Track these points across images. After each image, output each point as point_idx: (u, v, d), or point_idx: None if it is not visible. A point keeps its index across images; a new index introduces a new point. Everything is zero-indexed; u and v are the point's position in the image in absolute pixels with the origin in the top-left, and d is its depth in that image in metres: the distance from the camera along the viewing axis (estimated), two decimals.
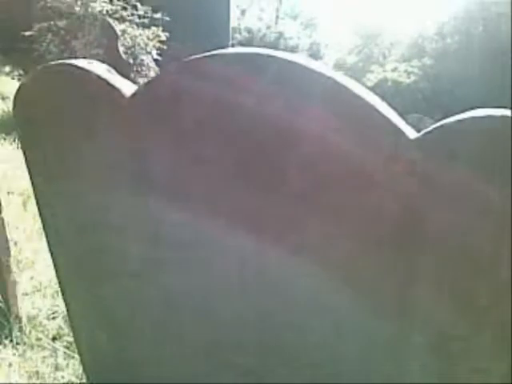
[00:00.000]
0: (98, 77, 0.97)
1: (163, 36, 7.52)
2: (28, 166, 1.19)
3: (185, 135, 0.94)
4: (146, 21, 7.75)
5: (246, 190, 0.92)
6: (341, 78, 0.78)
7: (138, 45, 7.08)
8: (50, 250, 1.31)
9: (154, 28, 7.68)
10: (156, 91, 0.93)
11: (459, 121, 0.72)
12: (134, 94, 0.95)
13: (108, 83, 0.96)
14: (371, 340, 0.92)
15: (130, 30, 7.25)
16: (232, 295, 1.06)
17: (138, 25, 7.65)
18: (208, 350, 1.18)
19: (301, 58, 0.80)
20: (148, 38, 7.42)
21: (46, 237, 1.29)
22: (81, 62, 1.00)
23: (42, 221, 1.26)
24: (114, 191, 1.06)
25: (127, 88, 0.97)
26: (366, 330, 0.92)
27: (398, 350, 0.91)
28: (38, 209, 1.25)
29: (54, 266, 1.34)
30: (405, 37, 10.76)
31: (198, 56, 0.88)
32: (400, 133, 0.76)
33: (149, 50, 7.35)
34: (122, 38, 6.76)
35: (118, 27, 6.79)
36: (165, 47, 7.47)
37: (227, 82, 0.85)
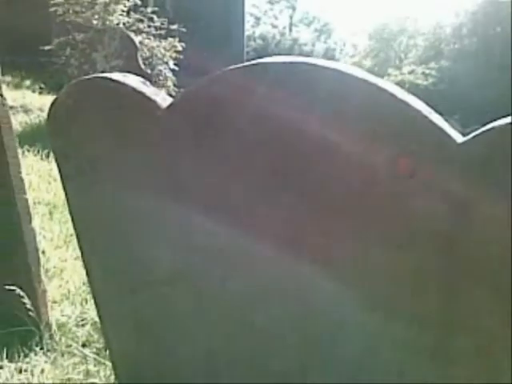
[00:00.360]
0: (134, 89, 1.00)
1: (179, 46, 7.61)
2: (62, 178, 1.22)
3: (222, 147, 0.96)
4: (162, 32, 7.86)
5: (285, 202, 0.93)
6: (384, 83, 0.79)
7: (156, 56, 7.18)
8: (83, 258, 1.34)
9: (170, 39, 7.78)
10: (193, 102, 0.96)
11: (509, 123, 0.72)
12: (169, 106, 0.98)
13: (144, 95, 0.98)
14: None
15: (147, 41, 7.36)
16: (270, 301, 1.07)
17: (154, 36, 7.77)
18: (243, 357, 1.19)
19: (341, 66, 0.81)
20: (165, 49, 7.52)
21: (79, 246, 1.32)
22: (115, 76, 1.03)
23: (76, 230, 1.29)
24: (149, 201, 1.08)
25: (163, 100, 1.00)
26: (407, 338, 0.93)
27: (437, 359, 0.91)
28: (72, 218, 1.28)
29: (87, 273, 1.37)
30: (421, 39, 10.71)
31: (236, 66, 0.90)
32: (447, 137, 0.77)
33: (166, 60, 7.44)
34: (140, 50, 6.86)
35: (136, 39, 6.89)
36: (181, 57, 7.55)
37: (268, 92, 0.86)
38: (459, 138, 0.78)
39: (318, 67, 0.83)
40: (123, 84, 1.01)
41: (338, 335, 1.01)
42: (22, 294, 1.74)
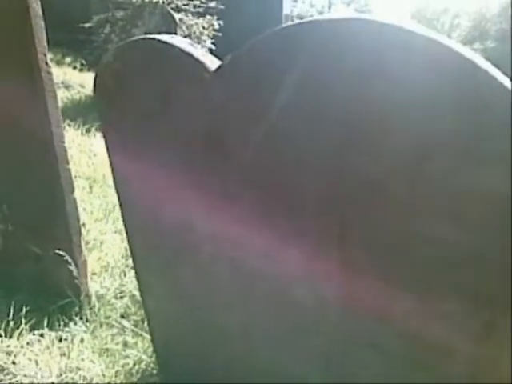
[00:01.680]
0: (182, 50, 0.95)
1: (217, 24, 7.53)
2: (107, 143, 1.19)
3: (271, 110, 0.90)
4: (200, 10, 7.79)
5: (332, 172, 0.88)
6: (447, 41, 0.73)
7: (194, 33, 7.13)
8: (126, 228, 1.32)
9: (208, 17, 7.70)
10: (242, 65, 0.91)
11: None
12: (218, 68, 0.93)
13: (192, 57, 0.94)
14: None
15: (185, 18, 7.31)
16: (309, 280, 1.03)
17: (193, 14, 7.71)
18: (280, 334, 1.16)
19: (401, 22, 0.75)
20: (203, 27, 7.46)
21: (122, 215, 1.30)
22: (163, 37, 0.99)
23: (119, 199, 1.27)
24: (192, 168, 1.04)
25: (211, 62, 0.95)
26: None
27: None
28: (115, 187, 1.26)
29: (129, 244, 1.35)
30: (466, 19, 10.30)
31: (287, 25, 0.84)
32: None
33: (204, 38, 7.39)
34: (178, 27, 6.82)
35: (177, 17, 6.86)
36: (219, 35, 7.48)
37: (323, 51, 0.80)
38: None
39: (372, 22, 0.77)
40: (171, 45, 0.97)
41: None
42: (65, 261, 1.75)
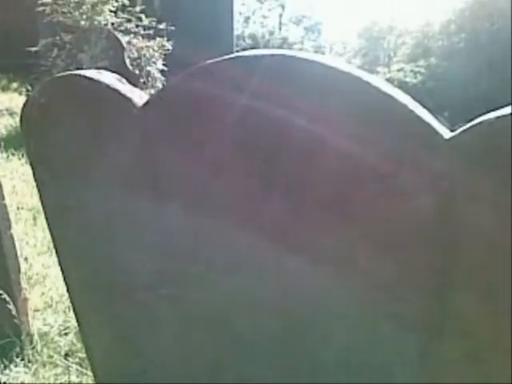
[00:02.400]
0: (108, 86, 0.93)
1: (168, 45, 7.53)
2: (36, 180, 1.15)
3: (201, 143, 0.90)
4: (150, 32, 7.78)
5: (267, 200, 0.87)
6: (368, 77, 0.74)
7: (144, 56, 7.10)
8: (61, 265, 1.28)
9: (159, 38, 7.70)
10: (169, 99, 0.90)
11: (499, 117, 0.67)
12: (146, 104, 0.92)
13: (119, 93, 0.92)
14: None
15: (135, 41, 7.27)
16: (252, 309, 1.02)
17: (143, 36, 7.68)
18: (227, 363, 1.13)
19: (324, 58, 0.76)
20: (153, 50, 7.43)
21: (56, 252, 1.26)
22: (89, 72, 0.97)
23: (52, 235, 1.23)
24: (127, 202, 1.02)
25: (138, 97, 0.93)
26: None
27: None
28: (48, 224, 1.22)
29: (65, 281, 1.30)
30: (410, 37, 10.72)
31: (213, 60, 0.84)
32: (434, 133, 0.72)
33: (154, 60, 7.36)
34: (127, 50, 6.77)
35: (124, 39, 6.81)
36: (170, 57, 7.48)
37: (247, 86, 0.81)
38: (447, 134, 0.73)
39: (301, 60, 0.77)
40: (97, 81, 0.95)
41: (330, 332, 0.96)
42: (4, 300, 1.67)
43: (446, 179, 0.74)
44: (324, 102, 0.78)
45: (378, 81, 0.77)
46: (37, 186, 1.16)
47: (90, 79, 0.96)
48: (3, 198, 1.67)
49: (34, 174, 1.15)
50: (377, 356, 0.90)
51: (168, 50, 7.63)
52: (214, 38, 11.51)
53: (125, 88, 0.95)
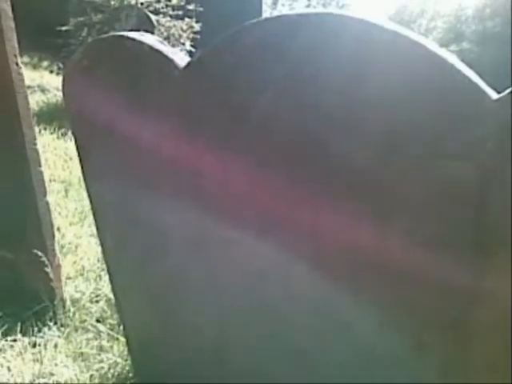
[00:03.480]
0: (151, 47, 0.94)
1: (197, 27, 7.50)
2: (76, 144, 1.17)
3: (240, 107, 0.90)
4: (179, 12, 7.75)
5: (304, 169, 0.87)
6: (416, 36, 0.73)
7: (173, 35, 7.10)
8: (98, 232, 1.30)
9: (187, 19, 7.68)
10: (210, 61, 0.90)
11: None
12: (187, 65, 0.92)
13: (161, 54, 0.93)
14: None
15: (163, 21, 7.27)
16: (275, 277, 1.02)
17: (171, 16, 7.67)
18: (252, 328, 1.15)
19: (372, 18, 0.75)
20: (182, 30, 7.42)
21: (94, 218, 1.28)
22: (132, 34, 0.98)
23: (91, 203, 1.25)
24: (162, 166, 1.03)
25: (180, 59, 0.94)
26: None
27: None
28: (87, 191, 1.24)
29: (102, 248, 1.33)
30: (442, 21, 10.43)
31: (254, 20, 0.84)
32: (482, 93, 0.70)
33: (183, 41, 7.35)
34: (157, 30, 6.78)
35: (154, 19, 6.81)
36: (198, 37, 7.46)
37: (291, 48, 0.80)
38: (494, 95, 0.71)
39: (346, 18, 0.77)
40: (140, 42, 0.95)
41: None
42: (39, 265, 1.71)
43: (491, 140, 0.73)
44: (370, 61, 0.77)
45: (424, 40, 0.76)
46: (77, 149, 1.18)
47: (133, 40, 0.97)
48: (40, 165, 1.70)
49: (74, 137, 1.17)
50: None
51: (196, 31, 7.61)
52: (242, 20, 11.43)
53: (167, 49, 0.96)
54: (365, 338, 0.96)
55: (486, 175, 0.75)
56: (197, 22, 7.67)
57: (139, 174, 1.07)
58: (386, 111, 0.78)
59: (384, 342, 0.93)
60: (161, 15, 7.51)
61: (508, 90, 0.72)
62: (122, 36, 0.98)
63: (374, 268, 0.88)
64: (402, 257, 0.86)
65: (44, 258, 1.74)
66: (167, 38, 7.14)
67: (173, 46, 7.17)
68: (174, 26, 7.14)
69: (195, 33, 7.61)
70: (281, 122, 0.87)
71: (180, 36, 7.43)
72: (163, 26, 6.97)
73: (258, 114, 0.89)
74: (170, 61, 0.94)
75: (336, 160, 0.85)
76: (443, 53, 0.75)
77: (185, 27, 7.34)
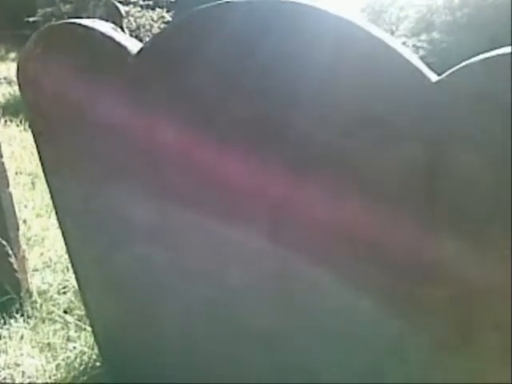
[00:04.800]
0: (103, 34, 0.94)
1: (168, 17, 7.44)
2: (34, 134, 1.17)
3: (194, 92, 0.91)
4: (150, 2, 7.67)
5: (257, 150, 0.89)
6: (359, 21, 0.75)
7: (143, 27, 7.03)
8: (59, 221, 1.30)
9: (158, 9, 7.60)
10: (163, 47, 0.91)
11: (483, 60, 0.68)
12: (140, 51, 0.93)
13: (113, 40, 0.93)
14: None
15: (133, 11, 7.19)
16: (246, 260, 1.04)
17: (142, 7, 7.59)
18: (216, 315, 1.16)
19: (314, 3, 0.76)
20: (152, 20, 7.35)
21: (55, 209, 1.28)
22: (84, 21, 0.98)
23: (51, 193, 1.25)
24: (120, 152, 1.04)
25: (133, 45, 0.94)
26: None
27: None
28: (46, 180, 1.24)
29: (64, 238, 1.33)
30: (413, 11, 10.50)
31: (208, 5, 0.85)
32: (422, 75, 0.73)
33: (153, 31, 7.28)
34: (126, 20, 6.69)
35: (123, 9, 6.72)
36: None
37: (241, 32, 0.81)
38: (434, 77, 0.74)
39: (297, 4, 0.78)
40: (92, 29, 0.95)
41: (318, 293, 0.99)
42: (3, 256, 1.70)
43: (434, 122, 0.76)
44: (312, 46, 0.79)
45: (370, 26, 0.78)
46: (34, 139, 1.18)
47: (85, 27, 0.97)
48: (1, 156, 1.68)
49: (30, 127, 1.16)
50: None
51: (168, 21, 7.54)
52: None
53: (119, 36, 0.96)
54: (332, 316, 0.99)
55: (434, 156, 0.78)
56: (168, 11, 7.61)
57: (98, 161, 1.08)
58: (337, 95, 0.80)
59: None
60: (131, 5, 7.42)
61: (447, 73, 0.75)
62: (74, 23, 0.98)
63: (331, 241, 0.91)
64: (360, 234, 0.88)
65: (8, 250, 1.72)
66: (137, 29, 7.08)
67: (143, 36, 7.10)
68: (144, 15, 7.06)
69: (166, 23, 7.54)
70: (239, 104, 0.88)
71: (151, 26, 7.36)
72: (133, 16, 6.89)
73: (214, 96, 0.90)
74: (123, 47, 0.94)
75: (296, 142, 0.86)
76: (385, 37, 0.77)
77: (155, 17, 7.27)
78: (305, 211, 0.92)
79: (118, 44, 0.94)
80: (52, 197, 1.26)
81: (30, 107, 1.14)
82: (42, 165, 1.21)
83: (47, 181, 1.23)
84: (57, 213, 1.28)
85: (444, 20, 9.34)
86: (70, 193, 1.21)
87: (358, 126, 0.81)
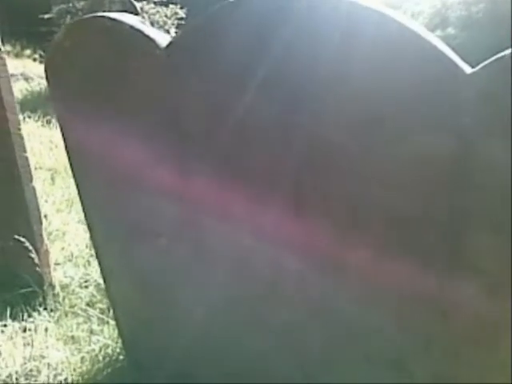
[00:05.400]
0: (132, 27, 0.94)
1: (181, 13, 7.43)
2: (61, 126, 1.18)
3: (222, 84, 0.91)
4: None
5: (282, 140, 0.89)
6: (394, 14, 0.74)
7: (157, 23, 7.03)
8: (85, 214, 1.31)
9: (171, 5, 7.60)
10: (191, 40, 0.91)
11: None
12: (169, 44, 0.93)
13: (143, 33, 0.93)
14: None
15: (147, 7, 7.20)
16: (270, 252, 1.04)
17: (155, 3, 7.59)
18: (240, 305, 1.16)
19: None
20: (166, 16, 7.36)
21: (81, 201, 1.29)
22: (113, 14, 0.98)
23: (77, 185, 1.26)
24: (149, 144, 1.04)
25: (162, 39, 0.95)
26: None
27: None
28: (73, 173, 1.24)
29: (89, 230, 1.34)
30: (427, 6, 10.40)
31: (234, 1, 0.85)
32: (456, 67, 0.72)
33: (167, 28, 7.29)
34: (140, 17, 6.71)
35: (137, 4, 6.75)
36: (183, 23, 7.39)
37: (272, 26, 0.81)
38: (468, 69, 0.73)
39: None
40: (121, 22, 0.96)
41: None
42: (27, 250, 1.72)
43: (466, 114, 0.75)
44: (350, 39, 0.78)
45: (401, 17, 0.77)
46: (61, 132, 1.19)
47: (114, 20, 0.97)
48: (25, 151, 1.70)
49: (58, 120, 1.17)
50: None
51: (181, 17, 7.54)
52: None
53: (148, 29, 0.96)
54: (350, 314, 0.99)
55: (465, 149, 0.77)
56: (181, 8, 7.60)
57: (125, 153, 1.08)
58: (361, 87, 0.80)
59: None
60: (144, 1, 7.43)
61: (482, 65, 0.74)
62: (103, 16, 0.98)
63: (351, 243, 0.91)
64: (378, 232, 0.88)
65: (32, 244, 1.74)
66: (151, 25, 7.08)
67: (144, 21, 7.09)
68: (158, 12, 7.07)
69: (180, 19, 7.54)
70: (265, 100, 0.88)
71: (165, 23, 7.36)
72: (147, 12, 6.90)
73: (243, 90, 0.90)
74: (152, 40, 0.94)
75: (313, 137, 0.86)
76: (419, 28, 0.77)
77: (169, 14, 7.27)
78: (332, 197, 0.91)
79: (147, 37, 0.94)
80: (78, 189, 1.27)
81: (56, 99, 1.15)
82: (69, 157, 1.22)
83: (73, 173, 1.24)
84: (83, 205, 1.29)
85: (459, 15, 9.23)
86: (96, 185, 1.22)
87: (387, 115, 0.80)
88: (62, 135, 1.17)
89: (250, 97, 0.88)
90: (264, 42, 0.84)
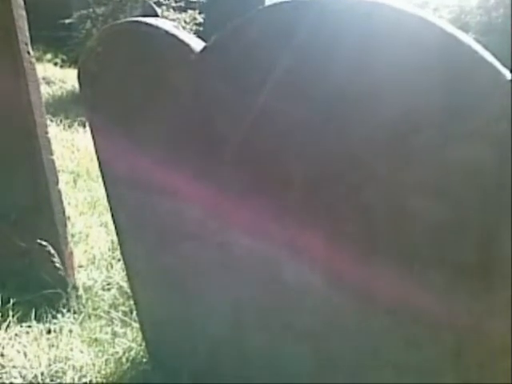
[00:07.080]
0: (167, 32, 0.95)
1: (200, 18, 7.49)
2: (91, 130, 1.19)
3: (255, 89, 0.91)
4: (182, 4, 7.74)
5: (320, 144, 0.89)
6: (434, 18, 0.74)
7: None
8: (113, 216, 1.32)
9: (190, 11, 7.66)
10: (227, 45, 0.91)
11: None
12: (203, 49, 0.93)
13: (177, 38, 0.94)
14: None
15: (166, 13, 7.26)
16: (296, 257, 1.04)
17: (174, 9, 7.65)
18: (268, 314, 1.16)
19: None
20: (185, 22, 7.41)
21: (109, 204, 1.30)
22: (147, 19, 0.99)
23: (105, 187, 1.27)
24: (180, 151, 1.05)
25: (196, 43, 0.95)
26: None
27: None
28: (102, 176, 1.25)
29: (116, 233, 1.35)
30: (446, 12, 10.33)
31: (268, 5, 0.85)
32: (497, 73, 0.71)
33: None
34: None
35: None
36: (201, 29, 7.45)
37: (311, 33, 0.81)
38: (509, 75, 0.73)
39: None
40: (156, 27, 0.97)
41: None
42: (51, 253, 1.73)
43: (505, 120, 0.74)
44: (388, 43, 0.78)
45: (440, 21, 0.76)
46: (92, 136, 1.20)
47: (149, 25, 0.98)
48: (52, 153, 1.72)
49: (89, 123, 1.19)
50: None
51: (199, 22, 7.59)
52: (246, 11, 11.38)
53: (182, 34, 0.97)
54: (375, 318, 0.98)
55: (503, 155, 0.76)
56: (200, 13, 7.65)
57: (156, 157, 1.09)
58: (399, 93, 0.79)
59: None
60: (163, 7, 7.49)
61: None
62: (138, 21, 0.99)
63: (386, 252, 0.90)
64: (415, 239, 0.87)
65: (56, 247, 1.76)
66: None
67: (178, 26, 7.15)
68: (177, 18, 7.12)
69: (198, 24, 7.59)
70: (303, 107, 0.88)
71: (183, 28, 7.42)
72: (166, 18, 6.96)
73: (278, 95, 0.90)
74: (187, 45, 0.95)
75: (351, 143, 0.86)
76: (458, 33, 0.76)
77: (188, 19, 7.33)
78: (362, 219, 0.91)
79: (182, 42, 0.95)
80: (107, 193, 1.28)
81: (88, 104, 1.17)
82: (98, 160, 1.23)
83: (103, 176, 1.25)
84: (111, 207, 1.30)
85: (479, 20, 9.16)
86: (126, 190, 1.22)
87: (427, 122, 0.80)
88: (92, 138, 1.18)
89: (286, 102, 0.88)
90: (302, 47, 0.84)
